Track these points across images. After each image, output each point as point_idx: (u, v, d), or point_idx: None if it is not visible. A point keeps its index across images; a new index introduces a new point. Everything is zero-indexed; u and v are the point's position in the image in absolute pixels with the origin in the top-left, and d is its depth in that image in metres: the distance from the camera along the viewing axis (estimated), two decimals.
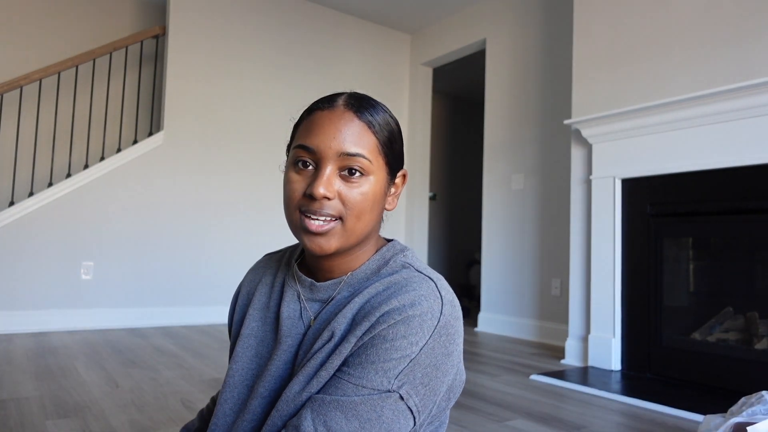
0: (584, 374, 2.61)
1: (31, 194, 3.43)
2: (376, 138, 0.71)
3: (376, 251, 0.76)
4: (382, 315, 0.64)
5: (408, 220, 4.83)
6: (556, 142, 3.60)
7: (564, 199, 3.48)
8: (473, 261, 6.11)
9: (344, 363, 0.65)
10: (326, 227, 0.68)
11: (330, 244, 0.69)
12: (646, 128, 2.63)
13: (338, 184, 0.68)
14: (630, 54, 2.75)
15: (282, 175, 0.74)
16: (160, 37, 4.05)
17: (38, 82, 3.63)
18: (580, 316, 2.95)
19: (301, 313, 0.75)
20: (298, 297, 0.76)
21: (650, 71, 2.66)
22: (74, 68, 3.80)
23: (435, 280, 0.69)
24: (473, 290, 5.98)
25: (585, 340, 2.90)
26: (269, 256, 0.88)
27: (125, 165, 3.64)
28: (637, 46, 2.72)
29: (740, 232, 2.46)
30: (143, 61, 4.13)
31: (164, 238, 3.72)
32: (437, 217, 6.34)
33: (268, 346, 0.76)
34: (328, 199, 0.67)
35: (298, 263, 0.81)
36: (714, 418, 1.31)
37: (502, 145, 3.99)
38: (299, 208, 0.69)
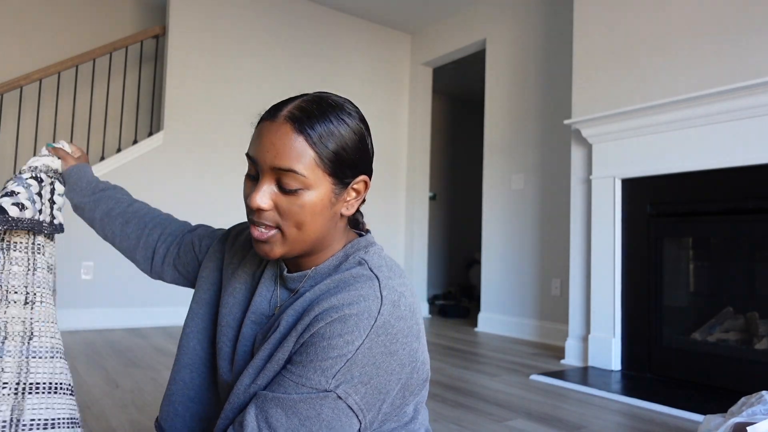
0: (584, 374, 2.61)
1: None
2: (315, 151, 0.68)
3: (343, 247, 0.76)
4: (321, 312, 0.65)
5: (408, 220, 4.83)
6: (556, 142, 3.60)
7: (564, 199, 3.48)
8: (473, 261, 6.11)
9: (288, 360, 0.66)
10: (267, 235, 0.69)
11: (274, 250, 0.70)
12: (646, 128, 2.63)
13: (276, 196, 0.68)
14: (630, 54, 2.75)
15: None
16: (160, 37, 4.05)
17: (38, 82, 3.63)
18: (580, 316, 2.95)
19: (271, 296, 0.77)
20: (275, 280, 0.78)
21: (650, 71, 2.66)
22: (74, 68, 3.80)
23: (381, 279, 0.69)
24: (473, 290, 5.98)
25: (585, 340, 2.90)
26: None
27: (125, 165, 3.64)
28: (637, 46, 2.72)
29: (740, 232, 2.45)
30: (143, 61, 4.13)
31: None
32: (437, 217, 6.34)
33: (241, 310, 0.80)
34: (263, 210, 0.68)
35: None
36: (714, 418, 1.31)
37: (502, 145, 3.99)
38: (248, 215, 0.72)
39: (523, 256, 3.76)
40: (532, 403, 2.08)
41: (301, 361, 0.64)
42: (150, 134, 3.81)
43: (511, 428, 1.78)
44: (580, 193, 2.99)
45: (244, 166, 4.05)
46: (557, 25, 3.65)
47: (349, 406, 0.63)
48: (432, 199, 6.24)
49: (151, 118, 4.02)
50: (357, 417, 0.64)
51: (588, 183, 2.94)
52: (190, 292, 3.78)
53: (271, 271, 0.79)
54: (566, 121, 2.96)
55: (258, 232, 0.69)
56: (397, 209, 4.84)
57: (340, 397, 0.63)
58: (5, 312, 0.85)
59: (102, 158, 3.67)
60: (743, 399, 1.33)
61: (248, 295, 0.81)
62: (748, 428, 1.07)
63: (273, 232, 0.69)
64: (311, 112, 0.69)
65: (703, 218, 2.51)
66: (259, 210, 0.68)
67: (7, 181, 0.95)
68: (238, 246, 0.88)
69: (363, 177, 0.74)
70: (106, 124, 3.94)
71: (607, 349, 2.74)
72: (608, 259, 2.77)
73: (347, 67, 4.57)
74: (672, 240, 2.68)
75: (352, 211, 0.74)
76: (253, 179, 0.71)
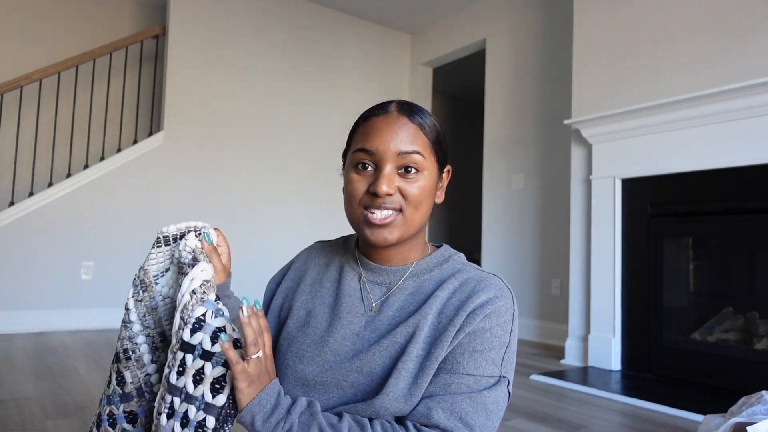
0: (584, 374, 2.61)
1: (31, 194, 3.43)
2: (427, 138, 0.78)
3: (434, 250, 0.85)
4: (474, 309, 0.73)
5: None
6: (556, 142, 3.60)
7: (564, 199, 3.48)
8: (473, 261, 6.11)
9: (447, 359, 0.72)
10: (388, 219, 0.75)
11: (392, 234, 0.76)
12: (646, 128, 2.63)
13: (398, 181, 0.76)
14: (630, 54, 2.75)
15: (340, 179, 0.84)
16: (160, 37, 4.05)
17: (38, 82, 3.63)
18: (580, 316, 2.95)
19: (361, 295, 0.81)
20: (359, 279, 0.83)
21: (650, 71, 2.66)
22: (74, 68, 3.80)
23: (500, 277, 0.80)
24: None
25: (585, 340, 2.90)
26: (322, 243, 0.94)
27: (125, 165, 3.64)
28: (637, 45, 2.72)
29: (740, 232, 2.45)
30: (143, 61, 4.13)
31: None
32: (437, 217, 6.34)
33: (318, 317, 0.82)
34: (390, 195, 0.75)
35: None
36: (714, 418, 1.31)
37: (502, 145, 3.99)
38: (362, 205, 0.77)
39: (523, 256, 3.76)
40: (532, 403, 2.08)
41: (471, 355, 0.71)
42: (150, 134, 3.81)
43: (511, 428, 1.78)
44: (580, 193, 2.99)
45: (244, 165, 4.05)
46: (557, 25, 3.65)
47: (508, 390, 0.74)
48: None
49: (151, 118, 4.02)
50: (509, 395, 0.75)
51: (588, 183, 2.94)
52: None
53: (353, 273, 0.84)
54: (566, 121, 2.96)
55: (380, 217, 0.75)
56: None
57: (508, 382, 0.73)
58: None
59: (102, 158, 3.67)
60: (743, 399, 1.33)
61: (333, 300, 0.84)
62: (748, 428, 1.07)
63: (394, 215, 0.76)
64: (414, 106, 0.81)
65: (703, 218, 2.51)
66: (387, 195, 0.75)
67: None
68: (291, 280, 0.91)
69: (449, 166, 0.86)
70: (106, 124, 3.94)
71: (607, 349, 2.74)
72: (608, 259, 2.77)
73: (347, 67, 4.57)
74: (672, 240, 2.68)
75: (442, 198, 0.83)
76: (362, 171, 0.78)
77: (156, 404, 0.75)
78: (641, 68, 2.69)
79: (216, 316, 0.73)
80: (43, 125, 3.79)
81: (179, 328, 0.73)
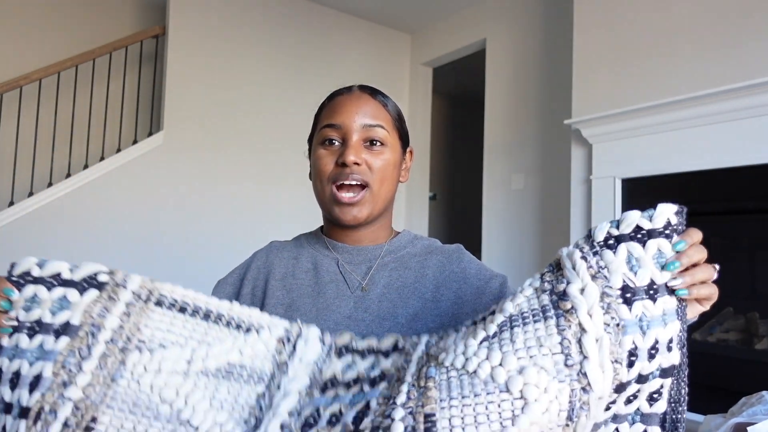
0: None
1: (30, 194, 3.43)
2: (390, 115, 0.83)
3: (398, 233, 0.88)
4: (463, 269, 0.81)
5: (408, 220, 4.82)
6: (556, 142, 3.60)
7: (564, 199, 3.47)
8: None
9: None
10: (357, 198, 0.78)
11: (362, 212, 0.79)
12: (646, 128, 2.63)
13: (364, 153, 0.79)
14: (630, 54, 2.75)
15: (307, 163, 0.86)
16: (160, 37, 4.05)
17: (38, 82, 3.63)
18: None
19: (344, 277, 0.82)
20: (337, 263, 0.84)
21: (650, 71, 2.66)
22: (74, 68, 3.80)
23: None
24: None
25: None
26: (279, 242, 0.95)
27: (125, 165, 3.64)
28: (638, 45, 2.72)
29: (740, 232, 2.45)
30: (143, 61, 4.12)
31: (164, 238, 3.72)
32: (437, 217, 6.34)
33: (300, 309, 0.82)
34: (358, 164, 0.77)
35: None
36: (714, 418, 1.31)
37: (502, 145, 3.98)
38: (331, 180, 0.79)
39: (523, 256, 3.76)
40: None
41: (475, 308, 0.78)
42: (150, 134, 3.81)
43: None
44: (580, 193, 2.99)
45: (244, 165, 4.05)
46: (557, 25, 3.65)
47: None
48: (432, 199, 6.24)
49: (151, 118, 4.02)
50: None
51: (588, 183, 2.94)
52: None
53: (328, 260, 0.84)
54: (566, 121, 2.96)
55: (348, 197, 0.78)
56: (397, 209, 4.81)
57: None
58: None
59: (102, 158, 3.67)
60: (744, 399, 1.33)
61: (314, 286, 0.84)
62: (748, 428, 1.07)
63: (362, 193, 0.79)
64: (376, 89, 0.85)
65: (703, 218, 2.51)
66: (354, 165, 0.77)
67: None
68: (252, 279, 0.89)
69: (411, 147, 0.90)
70: (106, 124, 3.94)
71: None
72: None
73: (347, 66, 4.57)
74: None
75: (406, 178, 0.88)
76: (329, 146, 0.80)
77: None
78: (641, 68, 2.69)
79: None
80: (42, 125, 3.79)
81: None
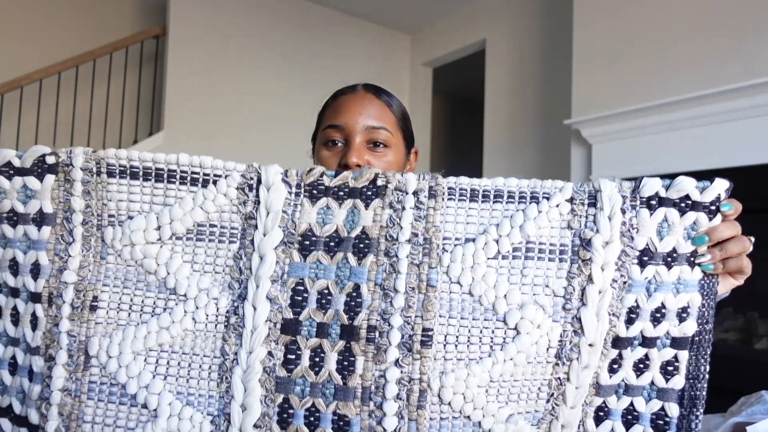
0: None
1: None
2: (394, 116, 0.81)
3: None
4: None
5: None
6: (555, 143, 3.60)
7: None
8: None
9: None
10: None
11: None
12: (646, 128, 2.63)
13: (367, 155, 0.78)
14: (630, 53, 2.75)
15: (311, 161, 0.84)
16: (160, 37, 4.05)
17: (39, 82, 3.63)
18: None
19: None
20: None
21: (650, 71, 2.66)
22: (75, 68, 3.80)
23: None
24: None
25: None
26: None
27: None
28: (637, 45, 2.72)
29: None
30: (143, 61, 4.13)
31: None
32: None
33: None
34: (360, 166, 0.77)
35: None
36: (713, 418, 1.31)
37: (502, 146, 3.99)
38: None
39: None
40: None
41: None
42: (150, 134, 3.81)
43: None
44: None
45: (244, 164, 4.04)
46: (557, 25, 3.65)
47: None
48: None
49: (151, 118, 4.02)
50: None
51: (588, 183, 2.94)
52: None
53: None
54: (566, 121, 2.96)
55: None
56: None
57: None
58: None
59: None
60: (743, 399, 1.33)
61: None
62: (747, 428, 1.08)
63: None
64: (381, 88, 0.83)
65: None
66: (357, 167, 0.76)
67: None
68: None
69: (416, 148, 0.89)
70: (107, 124, 3.94)
71: None
72: None
73: (347, 67, 4.57)
74: None
75: None
76: (332, 148, 0.80)
77: (558, 415, 0.61)
78: (641, 68, 2.69)
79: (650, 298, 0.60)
80: (43, 125, 3.79)
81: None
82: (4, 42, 3.82)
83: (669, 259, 0.61)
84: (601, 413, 0.62)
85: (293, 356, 0.58)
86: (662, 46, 2.62)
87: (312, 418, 0.58)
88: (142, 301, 0.59)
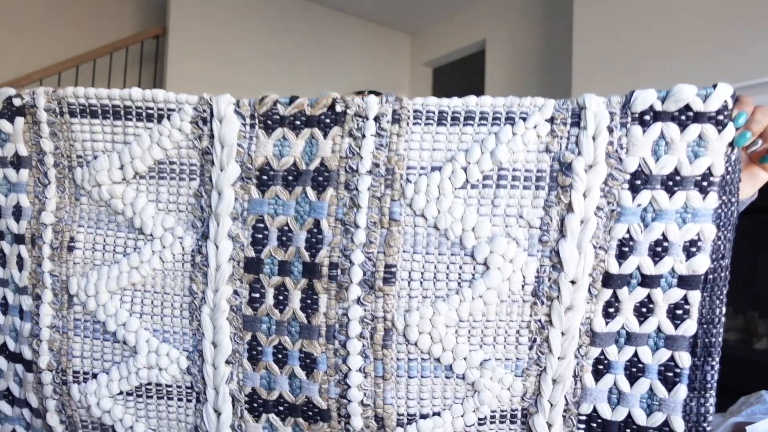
0: None
1: None
2: None
3: None
4: None
5: None
6: None
7: None
8: None
9: None
10: None
11: None
12: None
13: None
14: (630, 54, 2.75)
15: None
16: (160, 37, 4.05)
17: (39, 82, 3.63)
18: None
19: None
20: None
21: (650, 71, 2.66)
22: (75, 68, 3.80)
23: None
24: None
25: None
26: None
27: None
28: (638, 46, 2.72)
29: (740, 232, 2.45)
30: (143, 61, 4.13)
31: None
32: None
33: None
34: None
35: None
36: (713, 418, 1.31)
37: None
38: None
39: None
40: None
41: None
42: None
43: None
44: None
45: None
46: (557, 25, 3.65)
47: None
48: None
49: None
50: None
51: None
52: None
53: None
54: None
55: None
56: None
57: None
58: None
59: None
60: (742, 398, 1.33)
61: None
62: (747, 428, 1.08)
63: None
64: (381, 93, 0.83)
65: None
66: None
67: None
68: None
69: None
70: None
71: None
72: None
73: (347, 67, 4.58)
74: None
75: None
76: None
77: (554, 366, 0.55)
78: (641, 69, 2.70)
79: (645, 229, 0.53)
80: None
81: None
82: (4, 42, 3.82)
83: (670, 183, 0.52)
84: (601, 366, 0.55)
85: (257, 295, 0.57)
86: (662, 46, 2.62)
87: (280, 356, 0.57)
88: (114, 242, 0.60)
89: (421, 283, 0.55)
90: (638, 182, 0.53)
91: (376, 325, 0.55)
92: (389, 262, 0.54)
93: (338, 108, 0.56)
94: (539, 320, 0.54)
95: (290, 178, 0.57)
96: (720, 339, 0.54)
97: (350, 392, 0.56)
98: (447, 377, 0.55)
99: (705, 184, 0.52)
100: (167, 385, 0.60)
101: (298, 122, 0.58)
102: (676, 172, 0.52)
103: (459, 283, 0.54)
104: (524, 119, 0.55)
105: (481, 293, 0.54)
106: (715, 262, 0.54)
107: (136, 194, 0.59)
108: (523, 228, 0.54)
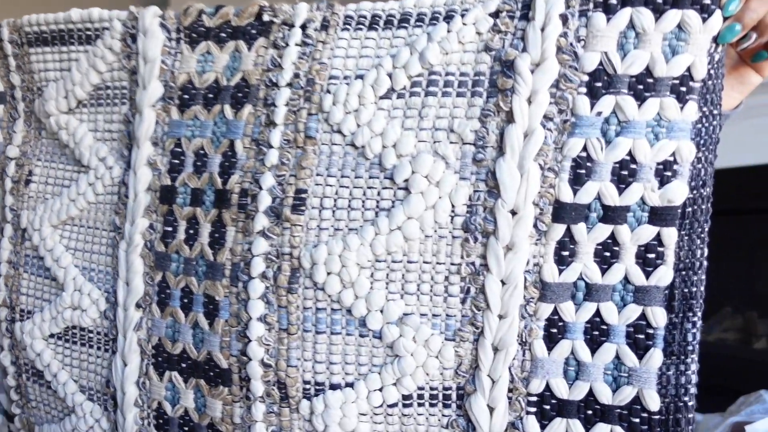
0: None
1: None
2: None
3: None
4: None
5: None
6: None
7: None
8: None
9: None
10: None
11: None
12: None
13: None
14: None
15: None
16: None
17: None
18: None
19: None
20: None
21: None
22: None
23: None
24: None
25: None
26: None
27: None
28: None
29: (739, 232, 2.46)
30: None
31: None
32: None
33: None
34: None
35: None
36: (713, 418, 1.31)
37: None
38: None
39: None
40: None
41: None
42: None
43: None
44: None
45: None
46: None
47: None
48: None
49: None
50: None
51: None
52: None
53: None
54: None
55: None
56: None
57: None
58: None
59: None
60: (742, 398, 1.33)
61: None
62: (746, 427, 1.08)
63: None
64: None
65: None
66: None
67: None
68: None
69: None
70: None
71: None
72: None
73: None
74: None
75: None
76: None
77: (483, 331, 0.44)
78: None
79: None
80: None
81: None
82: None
83: (640, 87, 0.41)
84: (554, 330, 0.43)
85: (170, 228, 0.50)
86: None
87: (186, 300, 0.50)
88: (63, 175, 0.58)
89: (334, 212, 0.46)
90: (598, 85, 0.41)
91: (281, 264, 0.46)
92: (300, 186, 0.46)
93: (266, 17, 0.49)
94: (472, 263, 0.43)
95: (210, 96, 0.50)
96: (702, 289, 0.45)
97: (250, 348, 0.47)
98: (361, 335, 0.45)
99: (683, 89, 0.40)
100: (89, 331, 0.56)
101: (223, 34, 0.50)
102: (648, 72, 0.40)
103: (376, 213, 0.45)
104: (464, 15, 0.44)
105: (399, 224, 0.44)
106: (695, 191, 0.45)
107: (79, 124, 0.56)
108: (455, 144, 0.43)
